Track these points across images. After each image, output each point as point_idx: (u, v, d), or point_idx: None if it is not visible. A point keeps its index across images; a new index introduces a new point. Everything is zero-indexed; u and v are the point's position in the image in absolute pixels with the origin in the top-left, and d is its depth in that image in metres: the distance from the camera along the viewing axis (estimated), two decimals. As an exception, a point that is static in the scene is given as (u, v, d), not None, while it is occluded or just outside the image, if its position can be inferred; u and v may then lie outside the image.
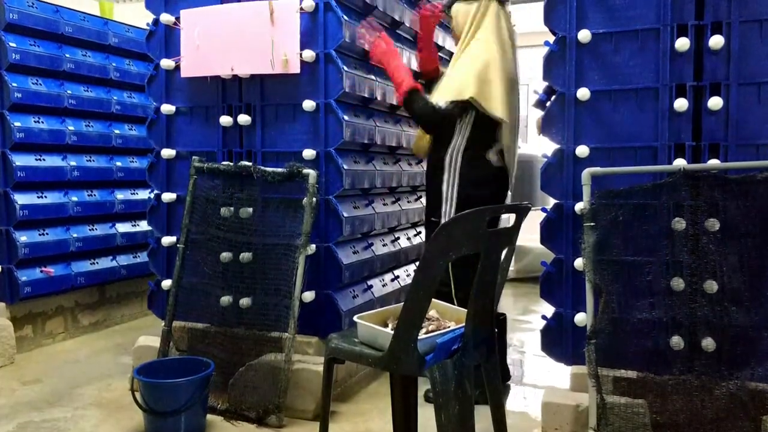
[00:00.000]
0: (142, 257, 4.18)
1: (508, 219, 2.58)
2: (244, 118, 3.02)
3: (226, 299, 2.87)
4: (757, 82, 2.30)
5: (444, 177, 2.92)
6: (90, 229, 4.01)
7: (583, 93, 2.47)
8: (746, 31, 2.30)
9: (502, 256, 2.04)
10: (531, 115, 3.75)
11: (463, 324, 1.94)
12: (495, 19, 2.95)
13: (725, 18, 2.32)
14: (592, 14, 2.49)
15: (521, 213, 2.05)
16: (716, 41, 2.29)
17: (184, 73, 3.10)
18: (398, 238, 3.62)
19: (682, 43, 2.33)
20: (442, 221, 2.82)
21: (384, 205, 3.42)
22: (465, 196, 2.87)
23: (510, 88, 2.93)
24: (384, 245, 3.44)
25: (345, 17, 2.88)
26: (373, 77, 3.23)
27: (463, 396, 1.85)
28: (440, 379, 1.82)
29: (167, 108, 3.16)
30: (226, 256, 2.88)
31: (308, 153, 2.90)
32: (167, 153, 3.18)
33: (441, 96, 2.88)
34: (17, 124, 3.58)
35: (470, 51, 2.91)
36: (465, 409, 1.85)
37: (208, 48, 3.01)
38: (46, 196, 3.74)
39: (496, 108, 2.81)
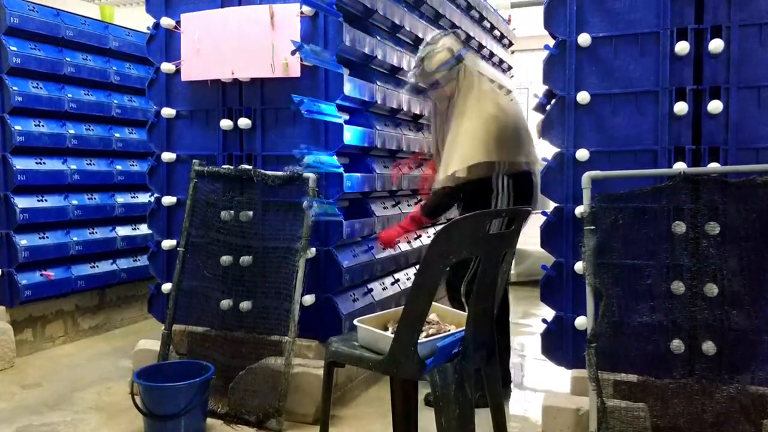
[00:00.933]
0: (143, 261, 4.18)
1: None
2: (244, 122, 3.02)
3: (226, 303, 2.87)
4: (757, 85, 2.30)
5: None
6: (90, 233, 4.01)
7: (583, 96, 2.47)
8: (746, 35, 2.30)
9: (505, 260, 2.05)
10: (531, 119, 3.74)
11: (464, 327, 1.94)
12: (475, 67, 2.97)
13: (725, 22, 2.32)
14: (591, 18, 2.49)
15: (521, 217, 2.06)
16: (716, 45, 2.29)
17: (185, 76, 3.11)
18: (398, 241, 3.61)
19: (682, 47, 2.33)
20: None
21: (384, 208, 3.42)
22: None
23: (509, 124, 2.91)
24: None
25: (345, 21, 2.88)
26: (373, 81, 3.24)
27: (463, 399, 1.86)
28: (440, 383, 1.83)
29: (167, 111, 3.17)
30: (226, 259, 2.88)
31: (308, 157, 2.90)
32: (167, 156, 3.18)
33: (451, 168, 2.79)
34: (18, 127, 3.59)
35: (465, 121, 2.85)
36: (465, 412, 1.86)
37: (209, 52, 3.01)
38: (46, 200, 3.74)
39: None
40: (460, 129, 2.84)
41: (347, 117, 3.11)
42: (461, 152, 2.78)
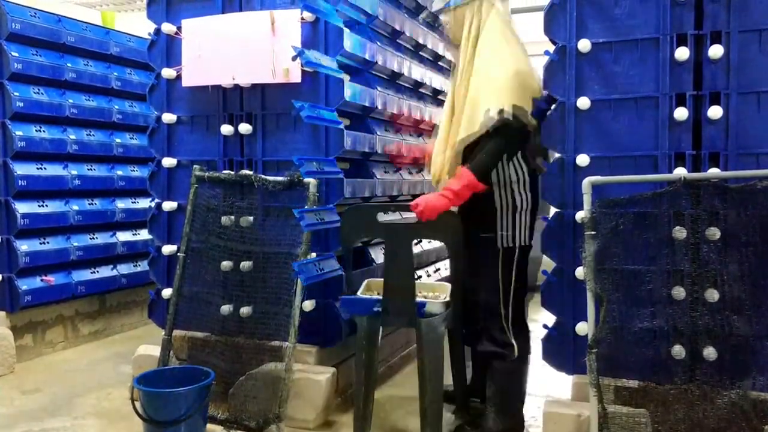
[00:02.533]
0: (143, 266, 4.17)
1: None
2: (245, 127, 3.02)
3: (226, 308, 2.86)
4: (757, 91, 2.30)
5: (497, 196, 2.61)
6: (90, 238, 4.01)
7: (583, 102, 2.48)
8: (745, 41, 2.31)
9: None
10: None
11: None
12: (498, 18, 2.61)
13: (724, 27, 2.33)
14: (591, 24, 2.50)
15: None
16: (716, 51, 2.29)
17: (186, 82, 3.11)
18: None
19: (682, 53, 2.33)
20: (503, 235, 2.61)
21: (383, 213, 3.41)
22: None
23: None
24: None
25: (346, 27, 2.89)
26: (373, 86, 3.24)
27: (370, 345, 2.60)
28: (360, 332, 2.60)
29: (168, 117, 3.17)
30: (226, 264, 2.88)
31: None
32: (168, 162, 3.18)
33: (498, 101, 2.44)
34: (19, 132, 3.59)
35: (488, 58, 2.54)
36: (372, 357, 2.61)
37: (210, 57, 3.02)
38: (46, 205, 3.75)
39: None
40: (491, 65, 2.49)
41: (348, 122, 3.12)
42: (497, 89, 2.43)
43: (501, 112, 2.43)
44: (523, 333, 2.71)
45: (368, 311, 2.59)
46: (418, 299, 2.58)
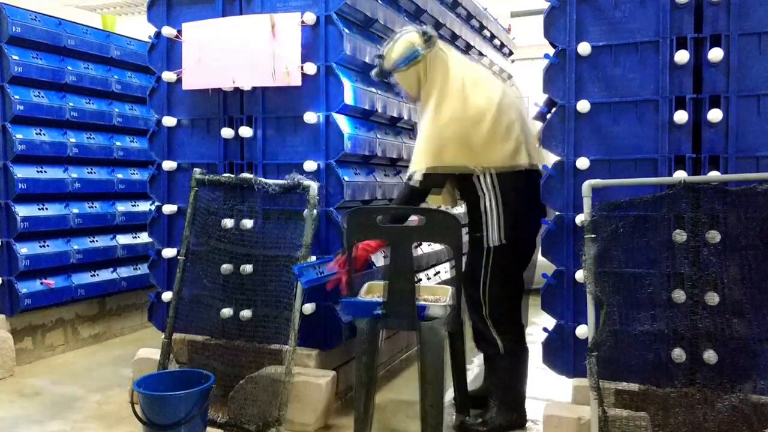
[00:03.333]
0: (143, 269, 4.17)
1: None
2: (245, 131, 3.03)
3: (226, 311, 2.86)
4: (757, 94, 2.30)
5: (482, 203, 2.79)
6: (91, 241, 4.01)
7: (583, 105, 2.48)
8: (745, 44, 2.31)
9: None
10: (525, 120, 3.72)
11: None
12: (442, 64, 2.77)
13: (724, 31, 2.33)
14: (591, 27, 2.50)
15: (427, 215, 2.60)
16: (715, 54, 2.30)
17: (186, 85, 3.12)
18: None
19: (682, 56, 2.34)
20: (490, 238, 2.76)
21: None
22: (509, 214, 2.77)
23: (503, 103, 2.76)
24: (384, 256, 3.43)
25: (346, 30, 2.89)
26: (374, 90, 3.25)
27: (371, 348, 2.58)
28: (362, 333, 2.58)
29: (169, 120, 3.18)
30: (226, 268, 2.88)
31: (309, 165, 2.91)
32: (168, 165, 3.19)
33: (416, 165, 2.74)
34: (19, 136, 3.60)
35: (430, 114, 2.74)
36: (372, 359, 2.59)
37: (210, 61, 3.02)
38: (47, 208, 3.75)
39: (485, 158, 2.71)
40: (420, 129, 2.79)
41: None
42: (416, 155, 2.74)
43: (410, 177, 2.74)
44: (512, 330, 2.83)
45: (369, 314, 2.58)
46: (419, 302, 2.59)
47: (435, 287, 2.92)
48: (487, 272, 2.79)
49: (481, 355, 3.06)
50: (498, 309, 2.80)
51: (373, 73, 2.90)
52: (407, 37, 2.78)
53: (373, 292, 2.82)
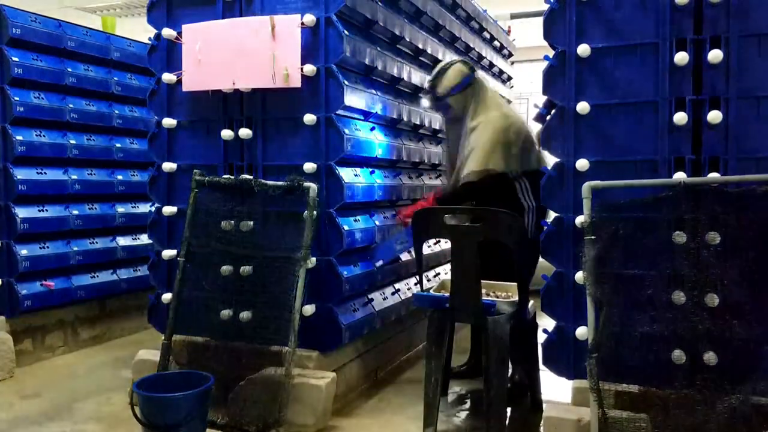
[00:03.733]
0: (143, 271, 4.17)
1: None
2: (245, 132, 3.03)
3: (226, 313, 2.86)
4: (756, 96, 2.31)
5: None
6: (91, 243, 4.01)
7: (582, 107, 2.48)
8: (745, 46, 2.31)
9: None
10: (531, 129, 3.76)
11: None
12: (486, 91, 3.30)
13: (724, 32, 2.33)
14: (591, 29, 2.50)
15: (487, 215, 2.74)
16: (715, 55, 2.30)
17: (186, 87, 3.12)
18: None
19: (681, 58, 2.34)
20: None
21: (385, 218, 3.42)
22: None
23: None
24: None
25: (346, 32, 2.90)
26: (373, 91, 3.25)
27: (440, 342, 2.75)
28: (430, 326, 2.77)
29: (169, 122, 3.18)
30: (226, 269, 2.88)
31: (309, 166, 2.91)
32: (168, 166, 3.19)
33: (474, 166, 3.11)
34: (19, 137, 3.60)
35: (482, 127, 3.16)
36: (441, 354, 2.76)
37: (210, 62, 3.02)
38: (47, 210, 3.75)
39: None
40: (471, 140, 3.15)
41: (348, 127, 3.12)
42: (473, 160, 3.09)
43: (468, 175, 3.10)
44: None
45: (439, 307, 2.77)
46: (487, 299, 2.75)
47: (502, 284, 3.00)
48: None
49: None
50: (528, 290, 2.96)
51: (425, 99, 3.49)
52: (457, 66, 3.28)
53: (446, 287, 2.97)
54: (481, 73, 3.33)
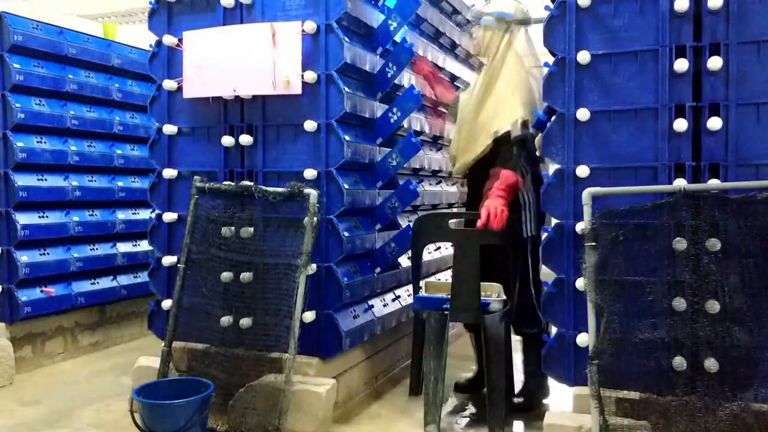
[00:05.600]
0: (143, 277, 4.16)
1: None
2: (245, 139, 3.03)
3: (226, 319, 2.86)
4: (756, 102, 2.31)
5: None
6: (91, 249, 4.01)
7: (582, 113, 2.48)
8: (744, 53, 2.32)
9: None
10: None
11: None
12: (516, 48, 3.19)
13: (723, 39, 2.34)
14: (591, 36, 2.51)
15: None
16: (715, 62, 2.30)
17: (187, 93, 3.12)
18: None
19: (681, 65, 2.34)
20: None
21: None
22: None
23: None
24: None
25: (346, 39, 2.90)
26: (373, 99, 3.25)
27: (439, 339, 2.86)
28: (429, 328, 2.88)
29: (169, 128, 3.18)
30: (226, 275, 2.88)
31: (309, 173, 2.92)
32: (169, 173, 3.19)
33: (512, 115, 3.01)
34: (20, 144, 3.60)
35: (508, 76, 3.12)
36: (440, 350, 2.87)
37: (210, 69, 3.03)
38: (47, 216, 3.75)
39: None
40: (502, 84, 3.10)
41: (348, 134, 3.12)
42: (507, 105, 3.02)
43: (525, 124, 2.96)
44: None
45: (438, 308, 2.88)
46: (484, 299, 2.86)
47: (486, 285, 3.04)
48: (527, 259, 3.04)
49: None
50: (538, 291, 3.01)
51: (471, 11, 3.32)
52: (514, 3, 3.20)
53: (431, 289, 3.16)
54: (523, 32, 3.23)
